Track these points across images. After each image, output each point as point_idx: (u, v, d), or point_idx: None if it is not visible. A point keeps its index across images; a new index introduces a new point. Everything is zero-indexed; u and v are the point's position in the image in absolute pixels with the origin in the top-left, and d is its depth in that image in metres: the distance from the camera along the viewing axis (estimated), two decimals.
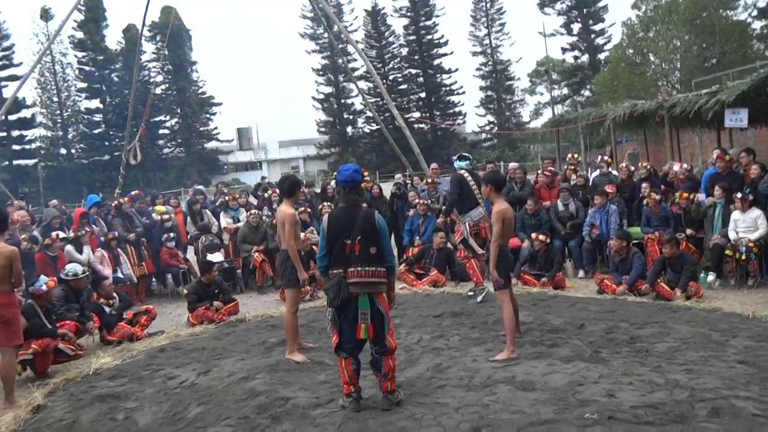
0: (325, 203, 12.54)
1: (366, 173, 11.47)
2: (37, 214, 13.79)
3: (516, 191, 11.97)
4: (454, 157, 9.89)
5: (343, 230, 5.43)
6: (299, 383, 6.28)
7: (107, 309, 9.20)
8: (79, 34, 53.25)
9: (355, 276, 5.35)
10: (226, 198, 13.60)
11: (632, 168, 12.63)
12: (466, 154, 9.86)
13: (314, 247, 9.26)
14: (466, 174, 9.28)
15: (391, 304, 5.66)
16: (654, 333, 7.17)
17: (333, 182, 10.32)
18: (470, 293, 9.63)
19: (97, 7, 53.29)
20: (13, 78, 48.94)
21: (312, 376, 6.51)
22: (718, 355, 6.31)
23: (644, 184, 11.34)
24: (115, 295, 9.55)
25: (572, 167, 13.41)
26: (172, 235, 12.37)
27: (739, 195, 9.63)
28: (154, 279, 12.80)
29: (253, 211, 12.61)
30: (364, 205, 5.70)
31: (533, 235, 10.69)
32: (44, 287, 7.90)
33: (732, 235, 9.68)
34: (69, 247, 10.69)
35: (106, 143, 53.03)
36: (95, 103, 54.53)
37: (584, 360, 6.36)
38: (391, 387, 5.54)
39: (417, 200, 12.29)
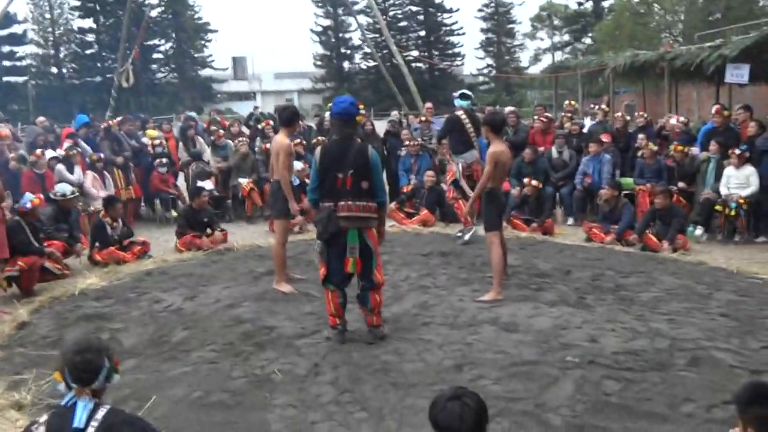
0: (319, 137, 12.41)
1: (361, 107, 11.33)
2: (25, 133, 13.62)
3: (510, 136, 11.89)
4: (456, 94, 9.75)
5: (335, 163, 5.38)
6: (285, 313, 6.33)
7: (109, 231, 9.12)
8: None
9: (345, 210, 5.32)
10: (212, 138, 13.27)
11: (628, 117, 12.55)
12: (468, 93, 9.73)
13: (306, 180, 9.22)
14: (463, 115, 9.15)
15: (381, 240, 5.66)
16: (639, 282, 7.24)
17: (327, 114, 10.18)
18: (458, 233, 9.65)
19: None
20: None
21: (298, 306, 6.56)
22: (701, 308, 6.39)
23: (641, 135, 11.27)
24: (120, 219, 9.49)
25: (569, 115, 13.32)
26: (164, 160, 12.23)
27: (737, 151, 9.59)
28: (142, 203, 12.73)
29: (240, 139, 12.43)
30: (358, 139, 5.64)
31: (525, 180, 10.66)
32: (29, 204, 7.84)
33: (723, 190, 9.68)
34: (60, 167, 10.59)
35: (99, 64, 52.01)
36: (88, 23, 53.24)
37: (569, 305, 6.43)
38: (376, 321, 5.60)
39: (407, 141, 12.18)
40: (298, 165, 9.90)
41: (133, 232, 9.73)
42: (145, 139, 12.89)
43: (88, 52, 53.01)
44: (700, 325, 5.87)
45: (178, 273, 8.13)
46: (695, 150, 10.67)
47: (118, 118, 14.21)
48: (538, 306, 6.39)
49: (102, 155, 11.46)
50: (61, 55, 53.43)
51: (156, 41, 54.37)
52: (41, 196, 8.50)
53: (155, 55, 55.35)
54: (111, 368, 2.78)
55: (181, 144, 13.03)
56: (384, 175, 12.59)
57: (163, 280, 7.86)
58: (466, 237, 9.33)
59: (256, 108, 19.19)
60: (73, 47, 53.66)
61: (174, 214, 11.62)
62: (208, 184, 11.69)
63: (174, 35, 55.29)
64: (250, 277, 7.74)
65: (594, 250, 9.22)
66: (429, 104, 14.25)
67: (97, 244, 8.90)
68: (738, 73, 12.21)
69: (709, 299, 6.70)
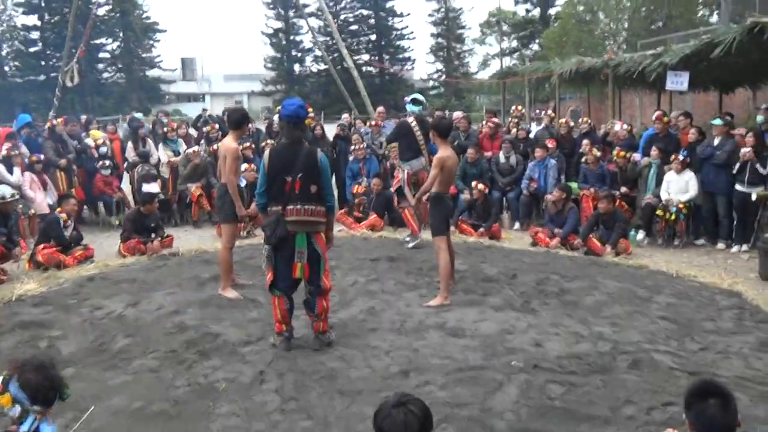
0: (268, 140, 12.32)
1: (310, 110, 11.27)
2: None
3: (461, 140, 11.97)
4: (407, 99, 9.70)
5: (284, 167, 5.32)
6: (230, 319, 6.25)
7: (65, 231, 8.92)
8: None
9: (293, 214, 5.28)
10: (165, 129, 13.14)
11: (571, 123, 12.77)
12: (420, 98, 9.65)
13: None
14: (413, 121, 9.12)
15: (329, 245, 5.62)
16: (582, 287, 7.35)
17: (276, 117, 10.05)
18: (406, 239, 9.68)
19: None
20: None
21: (244, 312, 6.48)
22: (642, 311, 6.53)
23: (585, 141, 11.47)
24: (71, 221, 9.27)
25: (515, 120, 13.50)
26: (107, 162, 11.98)
27: (680, 157, 9.83)
28: (85, 206, 12.44)
29: (195, 149, 12.26)
30: (306, 143, 5.60)
31: (473, 183, 10.75)
32: None
33: (664, 195, 9.91)
34: (0, 167, 10.29)
35: (43, 63, 50.79)
36: (33, 20, 51.86)
37: (515, 309, 6.50)
38: (323, 328, 5.57)
39: (355, 145, 12.16)
40: (243, 166, 9.79)
41: (82, 236, 9.52)
42: (88, 140, 12.58)
43: (32, 50, 51.68)
44: (641, 328, 6.00)
45: (121, 278, 7.95)
46: (637, 156, 10.90)
47: (64, 117, 13.85)
48: (484, 311, 6.44)
49: (42, 156, 11.12)
50: (4, 53, 51.92)
51: (103, 40, 53.25)
52: None
53: (102, 55, 54.28)
54: (64, 384, 2.67)
55: (129, 144, 12.70)
56: (333, 179, 12.70)
57: (105, 285, 7.68)
58: (411, 245, 9.37)
59: (204, 110, 18.97)
60: (16, 45, 52.22)
61: (116, 221, 11.41)
62: (154, 187, 11.47)
63: (121, 34, 54.22)
64: (195, 282, 7.61)
65: (539, 254, 9.35)
66: (381, 108, 14.28)
67: (46, 243, 8.68)
68: (678, 81, 12.49)
69: (650, 302, 6.86)
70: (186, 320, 6.22)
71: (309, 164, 5.35)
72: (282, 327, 5.53)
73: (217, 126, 13.40)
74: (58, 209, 9.24)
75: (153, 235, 9.58)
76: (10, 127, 12.31)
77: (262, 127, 14.66)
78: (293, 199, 5.30)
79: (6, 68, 51.80)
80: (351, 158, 12.18)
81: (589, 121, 12.58)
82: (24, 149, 11.12)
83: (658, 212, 9.94)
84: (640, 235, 10.15)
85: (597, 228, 9.63)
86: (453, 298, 6.76)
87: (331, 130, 14.10)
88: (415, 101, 9.49)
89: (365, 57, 56.00)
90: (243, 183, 8.80)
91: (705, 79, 14.84)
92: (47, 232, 8.88)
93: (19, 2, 51.44)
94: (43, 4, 50.90)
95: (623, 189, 10.60)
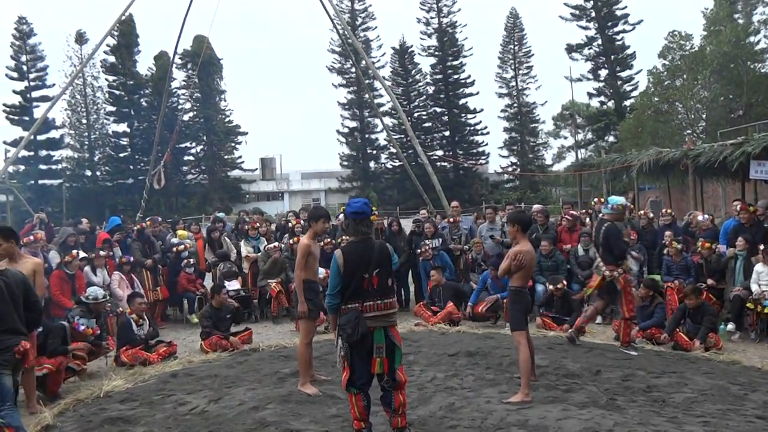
0: (344, 237, 12.57)
1: (374, 207, 11.49)
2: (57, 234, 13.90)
3: (539, 233, 11.93)
4: (612, 200, 9.09)
5: (360, 264, 5.39)
6: (310, 416, 6.23)
7: (135, 328, 9.26)
8: (112, 59, 54.18)
9: (372, 310, 5.33)
10: (246, 227, 13.63)
11: (651, 215, 12.58)
12: (618, 200, 9.05)
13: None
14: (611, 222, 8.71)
15: None
16: (671, 383, 7.05)
17: (341, 216, 10.22)
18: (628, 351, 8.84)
19: (131, 33, 54.26)
20: (44, 99, 49.80)
21: (323, 409, 6.46)
22: (737, 409, 6.19)
23: (667, 232, 11.25)
24: (146, 317, 9.64)
25: (593, 211, 13.39)
26: (191, 260, 12.44)
27: (762, 247, 9.51)
28: (168, 305, 12.84)
29: (275, 244, 12.62)
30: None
31: (551, 287, 10.64)
32: (82, 328, 8.17)
33: (754, 287, 9.55)
34: (87, 269, 10.81)
35: (131, 167, 53.67)
36: (123, 127, 55.29)
37: (599, 407, 6.27)
38: (401, 423, 5.47)
39: (422, 246, 12.12)
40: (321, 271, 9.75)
41: (159, 332, 9.80)
42: (174, 240, 13.10)
43: (121, 155, 54.72)
44: (736, 427, 5.68)
45: (204, 374, 8.09)
46: (722, 247, 10.59)
47: (149, 219, 14.53)
48: (567, 408, 6.23)
49: (131, 258, 11.66)
50: (96, 158, 55.08)
51: (188, 144, 56.09)
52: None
53: (186, 157, 56.97)
54: None
55: (207, 245, 13.27)
56: (409, 275, 12.76)
57: (188, 381, 7.82)
58: (633, 353, 8.70)
59: (289, 212, 19.49)
60: (107, 150, 55.40)
61: (195, 319, 11.74)
62: (234, 284, 11.80)
63: (205, 138, 56.93)
64: (275, 378, 7.67)
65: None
66: (455, 203, 14.39)
67: (127, 344, 9.00)
68: (762, 170, 12.27)
69: (745, 400, 6.51)
70: (266, 416, 6.24)
71: (384, 259, 5.45)
72: (361, 424, 5.47)
73: (302, 221, 13.77)
74: (128, 310, 9.58)
75: (232, 325, 9.80)
76: (106, 232, 12.93)
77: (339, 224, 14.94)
78: (371, 295, 5.36)
79: (98, 173, 54.82)
80: (420, 259, 12.20)
81: (672, 212, 12.38)
82: (117, 251, 11.71)
83: (749, 305, 9.55)
84: (731, 326, 9.75)
85: (684, 322, 9.30)
86: (534, 395, 6.59)
87: (407, 225, 14.25)
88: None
89: (439, 153, 56.92)
90: (321, 275, 8.90)
91: None
92: (121, 335, 9.23)
93: (111, 111, 54.85)
94: (132, 113, 54.12)
95: (710, 281, 10.27)
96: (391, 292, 5.46)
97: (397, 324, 5.50)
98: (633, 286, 8.86)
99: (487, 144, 60.13)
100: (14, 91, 51.17)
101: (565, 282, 10.63)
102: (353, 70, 53.15)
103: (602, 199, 14.71)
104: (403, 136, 46.73)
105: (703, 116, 37.46)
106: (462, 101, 59.69)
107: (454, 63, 59.63)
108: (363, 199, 5.94)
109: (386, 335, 5.37)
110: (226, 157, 59.49)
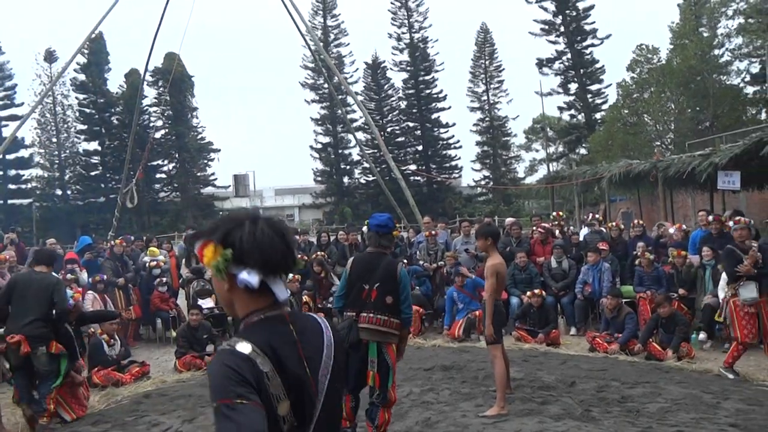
0: (318, 252, 12.56)
1: (398, 224, 11.38)
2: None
3: (513, 246, 11.99)
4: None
5: (364, 274, 5.54)
6: None
7: (107, 349, 9.12)
8: (82, 77, 53.61)
9: (366, 321, 5.44)
10: None
11: (621, 226, 12.71)
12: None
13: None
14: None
15: (399, 357, 5.68)
16: (645, 393, 7.12)
17: (365, 228, 10.09)
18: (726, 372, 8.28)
19: (101, 51, 53.72)
20: (13, 117, 49.06)
21: None
22: (710, 417, 6.26)
23: (639, 243, 11.37)
24: (117, 337, 9.50)
25: (556, 223, 13.55)
26: (164, 279, 12.31)
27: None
28: (141, 324, 12.68)
29: None
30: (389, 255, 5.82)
31: (528, 293, 10.69)
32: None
33: (721, 294, 9.64)
34: None
35: (102, 185, 53.03)
36: (94, 146, 54.52)
37: (575, 418, 6.30)
38: None
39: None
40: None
41: (131, 352, 9.68)
42: (146, 258, 12.96)
43: (92, 173, 54.07)
44: None
45: (177, 394, 8.00)
46: (695, 258, 10.71)
47: (121, 237, 14.37)
48: (543, 420, 6.26)
49: (104, 277, 11.49)
50: (66, 177, 54.39)
51: (159, 162, 55.57)
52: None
53: (158, 175, 56.43)
54: None
55: (184, 260, 13.08)
56: None
57: (161, 402, 7.73)
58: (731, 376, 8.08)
59: None
60: (78, 169, 54.73)
61: (172, 333, 11.57)
62: (208, 302, 11.68)
63: (177, 155, 56.47)
64: None
65: (598, 360, 9.12)
66: (427, 218, 14.43)
67: (98, 365, 8.85)
68: (729, 180, 12.45)
69: (718, 409, 6.57)
70: None
71: (387, 275, 5.52)
72: (346, 423, 5.51)
73: None
74: (99, 331, 9.43)
75: (209, 347, 9.69)
76: (76, 253, 12.74)
77: (314, 240, 14.90)
78: (368, 306, 5.47)
79: (68, 192, 54.15)
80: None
81: (642, 223, 12.52)
82: (83, 275, 11.46)
83: (717, 319, 9.62)
84: (702, 335, 9.84)
85: (656, 332, 9.39)
86: (510, 408, 6.60)
87: None
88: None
89: (412, 167, 57.01)
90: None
91: (758, 176, 14.73)
92: (92, 355, 9.07)
93: (82, 129, 54.30)
94: (103, 131, 53.59)
95: (681, 291, 10.38)
96: (388, 311, 5.48)
97: (394, 344, 5.55)
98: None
99: (459, 158, 60.33)
100: None
101: (542, 291, 10.70)
102: (326, 85, 53.19)
103: (560, 213, 14.80)
104: (376, 150, 46.82)
105: (671, 128, 38.02)
106: (434, 116, 59.86)
107: (426, 78, 59.83)
108: (387, 214, 6.08)
109: (380, 351, 5.46)
110: (198, 174, 58.95)
